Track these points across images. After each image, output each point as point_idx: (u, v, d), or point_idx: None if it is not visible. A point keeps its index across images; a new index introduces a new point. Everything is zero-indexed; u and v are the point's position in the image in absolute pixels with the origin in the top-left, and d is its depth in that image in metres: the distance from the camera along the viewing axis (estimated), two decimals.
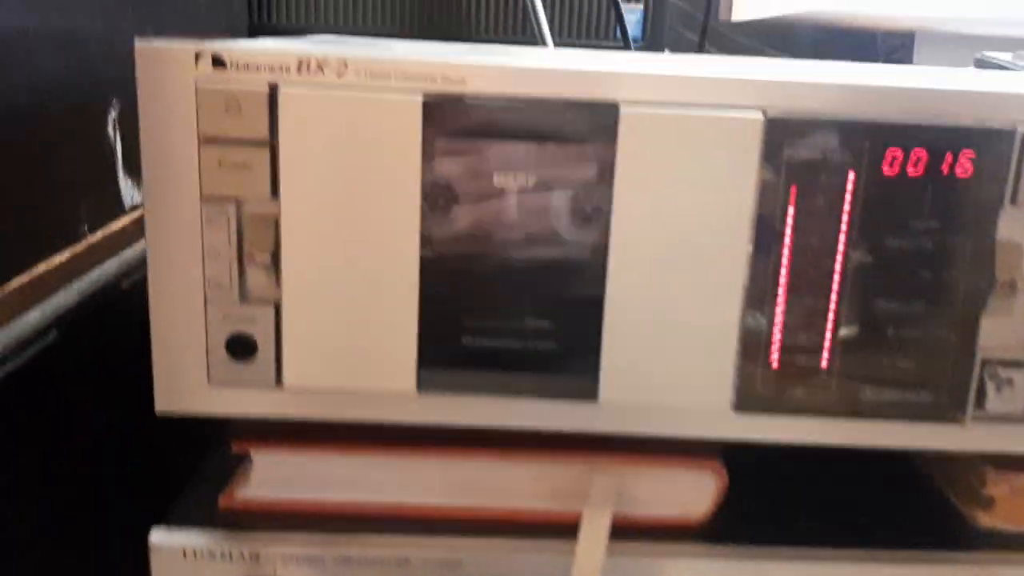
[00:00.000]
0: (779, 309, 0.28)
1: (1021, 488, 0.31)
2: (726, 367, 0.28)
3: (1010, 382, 0.28)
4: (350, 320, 0.27)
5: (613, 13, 0.65)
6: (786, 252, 0.27)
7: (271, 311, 0.26)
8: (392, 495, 0.30)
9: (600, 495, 0.29)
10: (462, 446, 0.30)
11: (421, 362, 0.27)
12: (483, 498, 0.30)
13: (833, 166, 0.26)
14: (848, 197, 0.27)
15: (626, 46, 0.63)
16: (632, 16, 0.66)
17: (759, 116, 0.26)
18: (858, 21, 0.84)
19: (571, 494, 0.30)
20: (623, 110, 0.26)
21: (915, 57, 0.92)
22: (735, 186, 0.26)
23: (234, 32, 0.56)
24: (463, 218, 0.27)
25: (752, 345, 0.28)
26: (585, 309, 0.27)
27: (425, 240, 0.26)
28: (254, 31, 0.61)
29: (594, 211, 0.26)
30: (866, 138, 0.26)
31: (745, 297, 0.27)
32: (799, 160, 0.26)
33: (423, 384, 0.27)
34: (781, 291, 0.27)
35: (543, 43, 0.64)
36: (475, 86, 0.26)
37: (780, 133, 0.26)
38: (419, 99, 0.25)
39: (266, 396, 0.27)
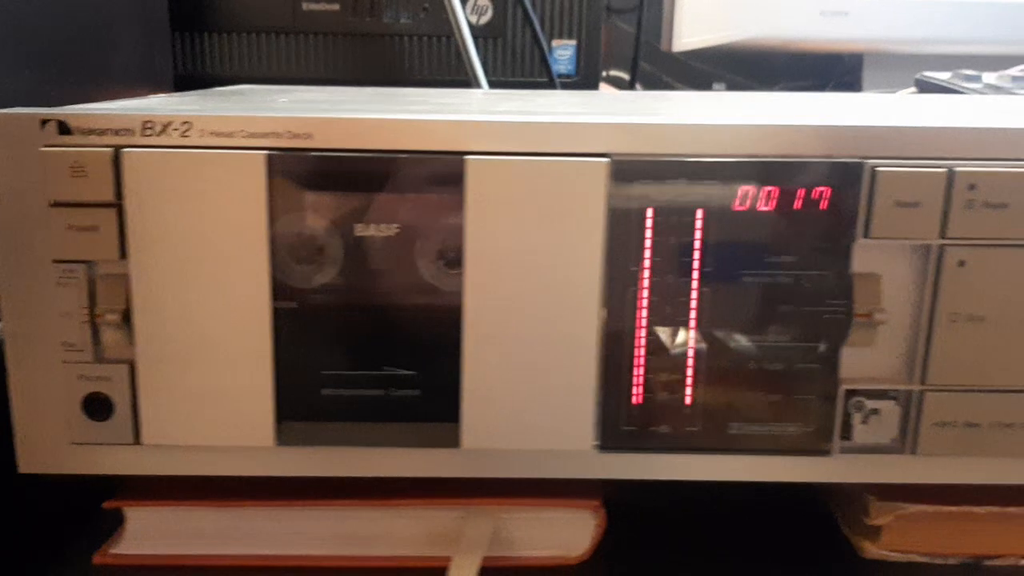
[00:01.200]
0: (640, 349, 0.28)
1: (906, 517, 0.31)
2: (587, 407, 0.28)
3: (876, 412, 0.28)
4: (206, 376, 0.27)
5: (543, 51, 0.65)
6: (644, 292, 0.27)
7: (126, 370, 0.27)
8: (268, 547, 0.30)
9: (472, 539, 0.29)
10: (337, 494, 0.30)
11: (279, 416, 0.27)
12: (361, 547, 0.30)
13: (682, 205, 0.27)
14: (699, 235, 0.27)
15: (551, 84, 0.64)
16: (565, 52, 0.67)
17: (604, 160, 0.26)
18: (804, 46, 0.85)
19: (449, 538, 0.30)
20: (469, 160, 0.26)
21: (864, 78, 0.93)
22: (585, 229, 0.26)
23: (158, 84, 0.56)
24: (316, 269, 0.27)
25: (614, 384, 0.28)
26: (444, 356, 0.27)
27: (280, 293, 0.27)
28: (180, 82, 0.62)
29: (448, 259, 0.27)
30: (714, 176, 0.27)
31: (603, 338, 0.27)
32: (649, 201, 0.27)
33: (282, 438, 0.27)
34: (641, 331, 0.27)
35: (477, 84, 0.64)
36: (322, 141, 0.26)
37: (627, 175, 0.26)
38: (263, 155, 0.26)
39: (126, 454, 0.27)
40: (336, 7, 0.66)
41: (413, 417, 0.28)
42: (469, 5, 0.66)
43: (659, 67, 1.04)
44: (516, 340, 0.27)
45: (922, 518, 0.31)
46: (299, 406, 0.27)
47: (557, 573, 0.30)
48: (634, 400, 0.28)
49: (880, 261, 0.27)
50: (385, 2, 0.66)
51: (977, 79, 0.71)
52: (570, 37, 0.67)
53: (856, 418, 0.28)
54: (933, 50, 0.86)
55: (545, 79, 0.67)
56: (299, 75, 0.67)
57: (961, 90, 0.69)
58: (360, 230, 0.27)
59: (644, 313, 0.27)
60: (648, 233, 0.27)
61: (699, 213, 0.27)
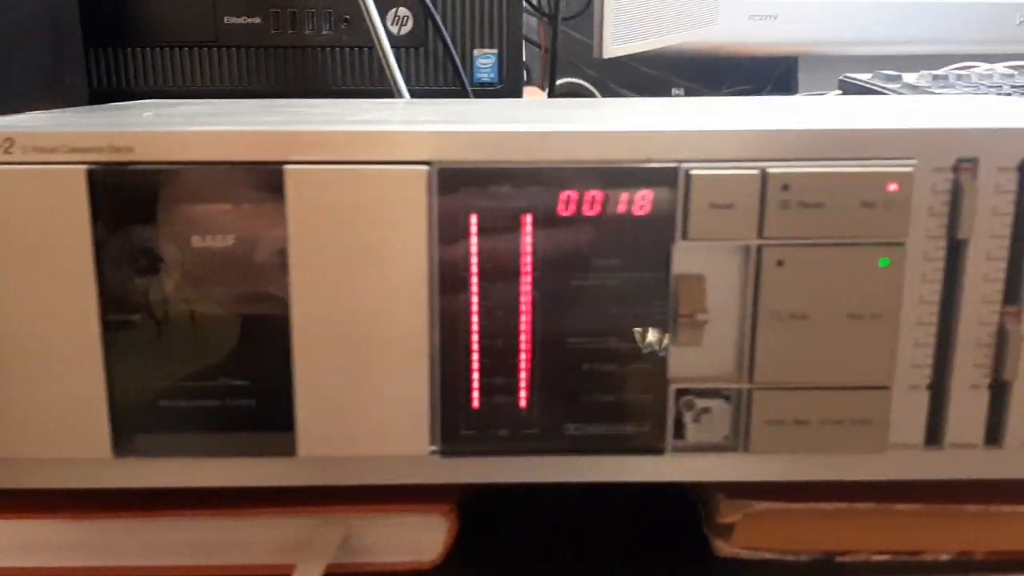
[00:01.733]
0: (474, 353, 0.28)
1: (755, 515, 0.31)
2: (422, 413, 0.28)
3: (707, 411, 0.28)
4: (42, 390, 0.27)
5: (465, 60, 0.66)
6: (474, 298, 0.28)
7: None
8: (121, 558, 0.30)
9: (319, 546, 0.29)
10: (190, 504, 0.30)
11: (115, 428, 0.27)
12: (213, 556, 0.30)
13: (508, 212, 0.27)
14: (527, 240, 0.27)
15: (464, 93, 0.64)
16: (486, 61, 0.68)
17: (425, 168, 0.26)
18: (735, 50, 0.86)
19: (300, 546, 0.30)
20: (288, 169, 0.26)
21: (800, 79, 0.94)
22: (409, 236, 0.27)
23: (69, 100, 0.56)
24: (144, 282, 0.27)
25: (451, 390, 0.28)
26: (276, 365, 0.27)
27: (110, 306, 0.27)
28: (96, 97, 0.62)
29: (275, 269, 0.27)
30: (537, 183, 0.27)
31: (439, 344, 0.28)
32: (474, 208, 0.27)
33: (120, 450, 0.28)
34: (474, 336, 0.28)
35: (399, 94, 0.65)
36: (143, 154, 0.26)
37: (450, 183, 0.27)
38: (83, 169, 0.26)
39: None
40: (257, 20, 0.67)
41: (249, 427, 0.28)
42: (390, 16, 0.67)
43: (616, 75, 1.05)
44: (346, 348, 0.27)
45: (771, 515, 0.31)
46: (135, 418, 0.27)
47: None
48: (473, 405, 0.28)
49: (704, 262, 0.27)
50: (306, 14, 0.67)
51: (897, 79, 0.71)
52: (491, 46, 0.68)
53: (688, 417, 0.28)
54: (864, 51, 0.88)
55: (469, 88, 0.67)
56: (221, 88, 0.67)
57: (881, 90, 0.70)
58: (186, 242, 0.27)
59: (476, 319, 0.28)
60: (474, 239, 0.27)
61: (525, 219, 0.27)
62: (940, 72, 0.74)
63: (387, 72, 0.65)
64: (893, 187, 0.26)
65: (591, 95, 1.04)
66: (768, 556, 0.32)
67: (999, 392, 0.28)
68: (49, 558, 0.30)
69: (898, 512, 0.31)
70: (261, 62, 0.67)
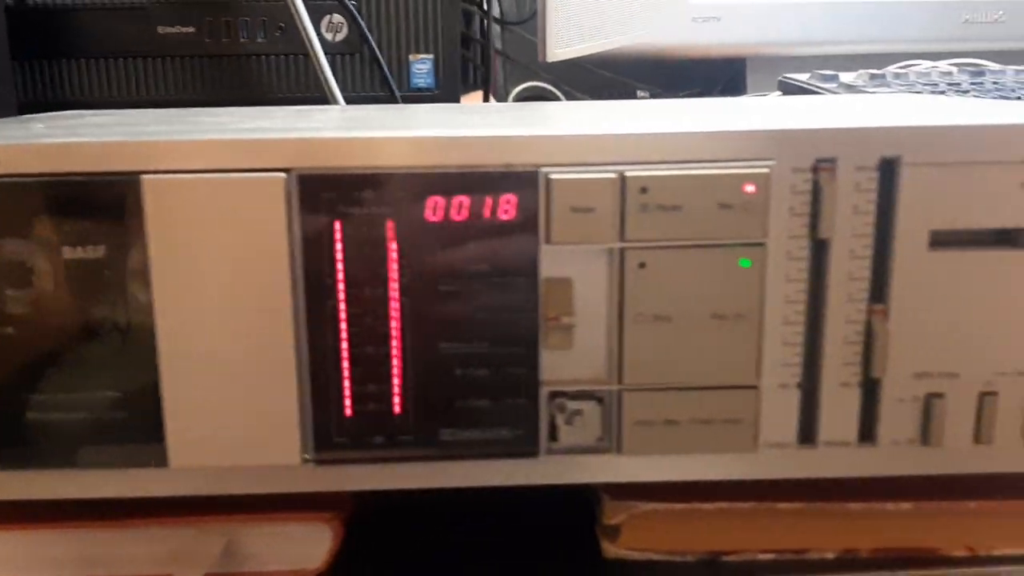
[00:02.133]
0: (344, 361, 0.28)
1: (640, 516, 0.31)
2: (292, 422, 0.28)
3: (579, 413, 0.28)
4: None
5: (401, 66, 0.66)
6: (341, 305, 0.28)
7: None
8: (8, 571, 0.30)
9: (198, 556, 0.29)
10: (76, 516, 0.30)
11: None
12: (99, 567, 0.30)
13: (373, 218, 0.27)
14: (393, 246, 0.27)
15: (392, 99, 0.64)
16: (423, 66, 0.68)
17: (282, 176, 0.26)
18: (679, 52, 0.86)
19: (184, 556, 0.30)
20: (145, 179, 0.26)
21: (748, 81, 0.95)
22: (270, 244, 0.27)
23: (1, 111, 0.56)
24: (12, 294, 0.27)
25: (323, 398, 0.28)
26: (144, 377, 0.27)
27: None
28: (24, 108, 0.62)
29: (139, 279, 0.27)
30: (401, 188, 0.27)
31: (308, 352, 0.28)
32: (336, 214, 0.27)
33: None
34: (343, 343, 0.28)
35: (334, 100, 0.65)
36: (6, 167, 0.26)
37: (311, 190, 0.27)
38: None
39: None
40: (192, 29, 0.67)
41: (122, 439, 0.28)
42: (324, 23, 0.67)
43: (576, 79, 1.05)
44: (212, 358, 0.27)
45: (655, 516, 0.31)
46: (7, 431, 0.27)
47: None
48: (346, 412, 0.28)
49: (571, 266, 0.28)
50: (241, 23, 0.67)
51: (834, 79, 0.72)
52: (427, 51, 0.68)
53: (560, 419, 0.28)
54: (811, 51, 0.88)
55: (405, 92, 0.68)
56: (157, 98, 0.67)
57: (818, 90, 0.71)
58: (54, 254, 0.27)
59: (344, 326, 0.28)
60: (339, 246, 0.27)
61: (390, 225, 0.27)
62: (879, 71, 0.75)
63: (322, 79, 0.65)
64: (750, 188, 0.27)
65: (555, 98, 1.05)
66: (655, 557, 0.32)
67: (870, 389, 0.29)
68: None
69: (781, 511, 0.31)
70: (196, 71, 0.67)
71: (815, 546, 0.32)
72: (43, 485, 0.28)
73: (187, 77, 0.67)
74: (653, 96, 1.11)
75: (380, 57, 0.63)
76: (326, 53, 0.64)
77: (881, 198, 0.27)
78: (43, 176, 0.26)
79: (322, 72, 0.65)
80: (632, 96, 1.12)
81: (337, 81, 0.65)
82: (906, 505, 0.31)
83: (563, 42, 0.79)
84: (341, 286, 0.27)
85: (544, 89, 1.05)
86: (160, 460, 0.28)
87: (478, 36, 0.86)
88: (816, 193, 0.27)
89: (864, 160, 0.27)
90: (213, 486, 0.28)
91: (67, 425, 0.28)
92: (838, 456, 0.29)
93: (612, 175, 0.27)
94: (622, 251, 0.27)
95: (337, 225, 0.27)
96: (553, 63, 0.80)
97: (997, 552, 0.32)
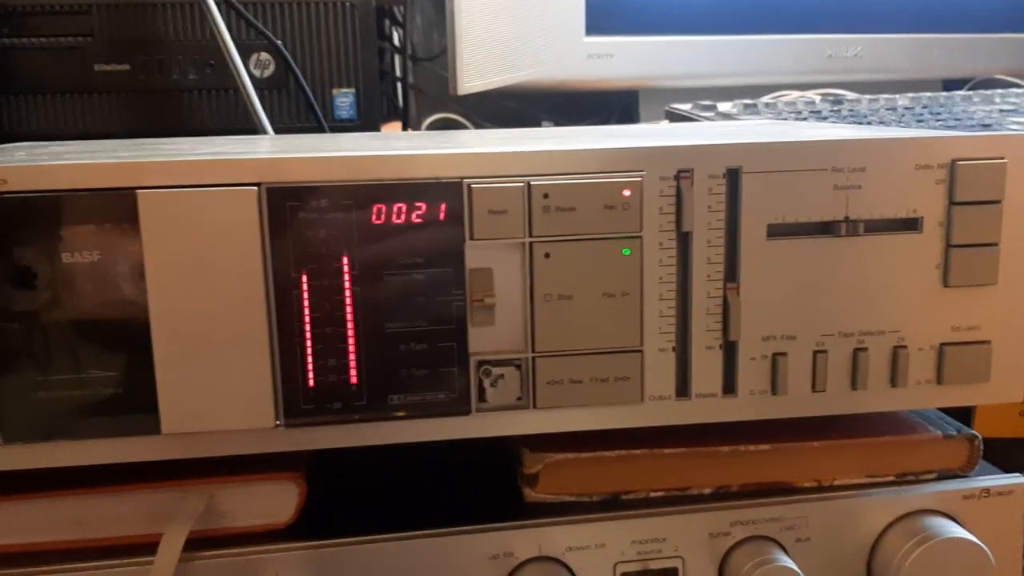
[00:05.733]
0: (308, 341, 0.34)
1: (553, 464, 0.38)
2: (266, 392, 0.34)
3: (502, 377, 0.35)
4: None
5: (325, 99, 0.72)
6: (304, 296, 0.34)
7: None
8: (9, 537, 0.35)
9: (183, 515, 0.35)
10: (65, 485, 0.35)
11: (2, 418, 0.32)
12: (89, 530, 0.35)
13: (330, 222, 0.33)
14: (347, 245, 0.34)
15: (320, 129, 0.70)
16: (344, 100, 0.74)
17: (254, 189, 0.33)
18: (577, 85, 0.95)
19: (167, 516, 0.35)
20: (140, 193, 0.32)
21: (641, 110, 1.04)
22: (245, 244, 0.33)
23: None
24: (24, 294, 0.32)
25: (290, 371, 0.34)
26: (139, 359, 0.33)
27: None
28: None
29: (135, 278, 0.32)
30: (352, 197, 0.33)
31: (277, 334, 0.33)
32: (299, 219, 0.33)
33: (7, 436, 0.32)
34: (307, 327, 0.34)
35: (263, 131, 0.70)
36: (16, 184, 0.31)
37: (277, 199, 0.33)
38: None
39: None
40: (126, 67, 0.71)
41: (118, 411, 0.33)
42: (252, 60, 0.72)
43: (483, 110, 1.13)
44: (198, 340, 0.33)
45: (566, 464, 0.38)
46: (20, 407, 0.32)
47: (267, 537, 0.36)
48: (309, 384, 0.34)
49: (491, 257, 0.34)
50: (172, 61, 0.72)
51: (713, 108, 0.81)
52: (349, 85, 0.74)
53: (486, 383, 0.35)
54: (696, 84, 0.98)
55: (330, 123, 0.74)
56: (94, 130, 0.71)
57: (698, 118, 0.80)
58: (57, 259, 0.32)
59: (307, 312, 0.34)
60: (302, 246, 0.33)
61: (345, 227, 0.33)
62: (752, 101, 0.84)
63: (251, 112, 0.70)
64: (628, 193, 0.34)
65: (464, 127, 1.12)
66: (567, 499, 0.38)
67: (729, 351, 0.36)
68: None
69: (667, 455, 0.38)
70: (131, 106, 0.72)
71: (695, 484, 0.39)
72: (52, 455, 0.33)
73: (121, 111, 0.72)
74: (556, 125, 1.20)
75: (309, 92, 0.69)
76: (254, 88, 0.70)
77: (729, 199, 0.35)
78: (51, 192, 0.32)
79: (252, 105, 0.70)
80: (536, 125, 1.21)
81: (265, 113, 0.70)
82: (764, 446, 0.39)
83: (472, 76, 0.87)
84: (304, 277, 0.34)
85: (454, 120, 1.13)
86: (154, 428, 0.33)
87: (391, 71, 0.93)
88: (679, 195, 0.35)
89: (714, 170, 0.35)
90: (198, 449, 0.34)
91: (72, 401, 0.33)
92: (708, 405, 0.37)
93: (520, 184, 0.34)
94: (530, 244, 0.34)
95: (300, 228, 0.33)
96: (463, 96, 0.87)
97: (838, 482, 0.40)
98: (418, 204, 0.34)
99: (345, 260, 0.34)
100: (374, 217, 0.34)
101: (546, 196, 0.34)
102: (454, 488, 0.41)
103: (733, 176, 0.35)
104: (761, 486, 0.39)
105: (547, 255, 0.34)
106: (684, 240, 0.35)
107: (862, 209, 0.36)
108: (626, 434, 0.37)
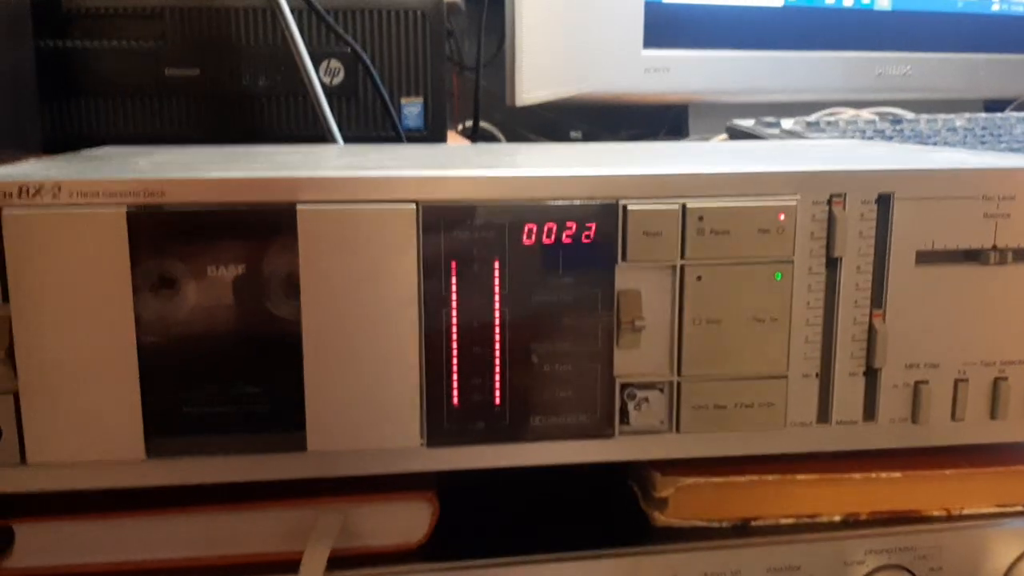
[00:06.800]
0: (454, 361, 0.34)
1: (685, 488, 0.38)
2: (414, 412, 0.33)
3: (646, 400, 0.35)
4: (81, 400, 0.31)
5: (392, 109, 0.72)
6: (454, 314, 0.33)
7: (11, 400, 0.31)
8: (145, 552, 0.34)
9: (322, 533, 0.34)
10: (204, 503, 0.34)
11: (147, 432, 0.32)
12: (226, 547, 0.35)
13: (482, 241, 0.33)
14: (497, 264, 0.33)
15: (399, 139, 0.70)
16: (413, 109, 0.74)
17: (412, 206, 0.32)
18: (633, 99, 0.94)
19: (304, 534, 0.35)
20: (300, 208, 0.31)
21: (690, 124, 1.04)
22: (401, 262, 0.32)
23: (27, 148, 0.59)
24: (177, 305, 0.32)
25: (435, 391, 0.33)
26: (288, 375, 0.32)
27: (144, 327, 0.31)
28: (52, 143, 0.65)
29: (289, 293, 0.32)
30: (505, 217, 0.33)
31: (424, 353, 0.33)
32: (453, 237, 0.33)
33: (151, 451, 0.32)
34: (455, 346, 0.33)
35: (332, 139, 0.70)
36: (173, 197, 0.31)
37: (432, 217, 0.32)
38: (123, 211, 0.31)
39: (14, 473, 0.31)
40: (197, 72, 0.71)
41: (264, 427, 0.33)
42: (323, 67, 0.72)
43: (518, 120, 1.13)
44: (348, 358, 0.32)
45: (698, 488, 0.38)
46: (165, 422, 0.32)
47: (400, 557, 0.36)
48: (454, 403, 0.34)
49: (640, 279, 0.34)
50: (244, 66, 0.71)
51: (776, 125, 0.81)
52: (417, 95, 0.74)
53: (631, 406, 0.35)
54: (745, 99, 0.98)
55: (394, 134, 0.73)
56: (164, 134, 0.71)
57: (762, 135, 0.80)
58: (212, 271, 0.32)
59: (455, 330, 0.33)
60: (454, 264, 0.33)
61: (495, 247, 0.33)
62: (811, 119, 0.84)
63: (321, 119, 0.70)
64: (782, 217, 0.34)
65: (497, 139, 1.12)
66: (697, 523, 0.38)
67: (872, 377, 0.36)
68: (82, 555, 0.34)
69: (799, 481, 0.38)
70: (201, 110, 0.71)
71: (825, 511, 0.39)
72: (197, 471, 0.33)
73: (192, 115, 0.71)
74: (586, 137, 1.20)
75: (388, 100, 0.68)
76: (324, 95, 0.70)
77: (879, 225, 0.35)
78: (210, 205, 0.31)
79: (322, 112, 0.70)
80: (565, 136, 1.21)
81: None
82: (896, 474, 0.38)
83: (531, 88, 0.87)
84: (454, 296, 0.33)
85: (485, 129, 1.12)
86: (300, 445, 0.33)
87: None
88: (830, 221, 0.34)
89: (866, 195, 0.34)
90: (342, 468, 0.33)
91: (217, 417, 0.32)
92: (847, 432, 0.36)
93: (675, 206, 0.33)
94: (682, 267, 0.34)
95: (453, 246, 0.33)
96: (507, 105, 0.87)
97: (967, 511, 0.39)
98: (569, 224, 0.33)
99: (496, 279, 0.33)
100: (525, 237, 0.33)
101: (701, 219, 0.33)
102: (572, 509, 0.40)
103: (885, 202, 0.35)
104: (890, 514, 0.39)
105: (699, 278, 0.34)
106: (832, 266, 0.35)
107: (1010, 237, 0.35)
108: (748, 458, 0.37)
